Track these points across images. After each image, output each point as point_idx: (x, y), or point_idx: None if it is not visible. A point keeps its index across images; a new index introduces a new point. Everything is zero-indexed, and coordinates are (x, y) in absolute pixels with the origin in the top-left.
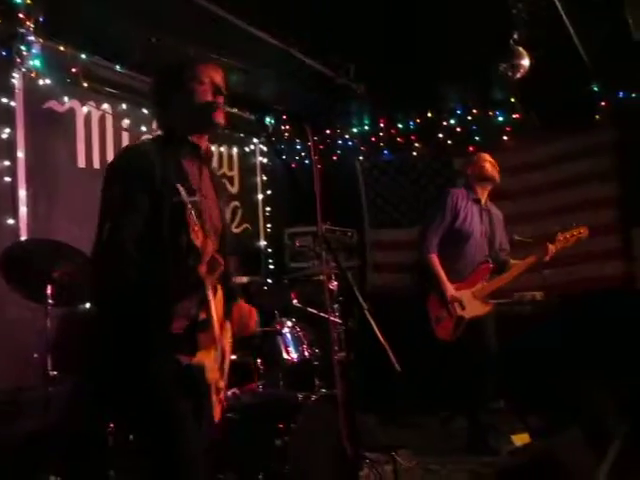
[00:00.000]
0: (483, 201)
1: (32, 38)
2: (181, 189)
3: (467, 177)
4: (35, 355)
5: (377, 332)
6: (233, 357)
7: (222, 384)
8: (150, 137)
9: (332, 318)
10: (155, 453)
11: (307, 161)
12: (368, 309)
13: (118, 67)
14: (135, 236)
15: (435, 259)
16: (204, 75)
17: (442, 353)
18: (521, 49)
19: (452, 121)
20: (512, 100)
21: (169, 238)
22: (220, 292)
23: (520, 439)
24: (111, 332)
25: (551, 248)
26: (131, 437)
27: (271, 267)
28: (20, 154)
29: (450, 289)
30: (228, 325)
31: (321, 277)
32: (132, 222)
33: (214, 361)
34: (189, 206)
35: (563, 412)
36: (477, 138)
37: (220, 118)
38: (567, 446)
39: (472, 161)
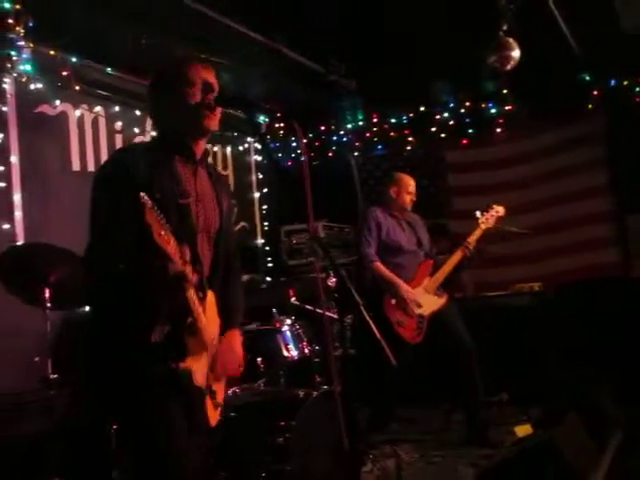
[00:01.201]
0: (397, 215)
1: (22, 43)
2: (141, 194)
3: (388, 198)
4: (36, 359)
5: (372, 327)
6: None
7: (217, 388)
8: (144, 139)
9: (329, 314)
10: (140, 456)
11: (303, 158)
12: (363, 304)
13: (109, 69)
14: (122, 240)
15: (381, 265)
16: (195, 76)
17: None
18: (510, 40)
19: (445, 114)
20: (504, 92)
21: (145, 241)
22: (211, 296)
23: (522, 430)
24: (100, 334)
25: (476, 233)
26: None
27: (269, 265)
28: (13, 159)
29: (406, 287)
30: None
31: (316, 274)
32: (119, 227)
33: (205, 365)
34: (148, 205)
35: (562, 401)
36: (470, 131)
37: (213, 119)
38: (566, 433)
39: (397, 183)
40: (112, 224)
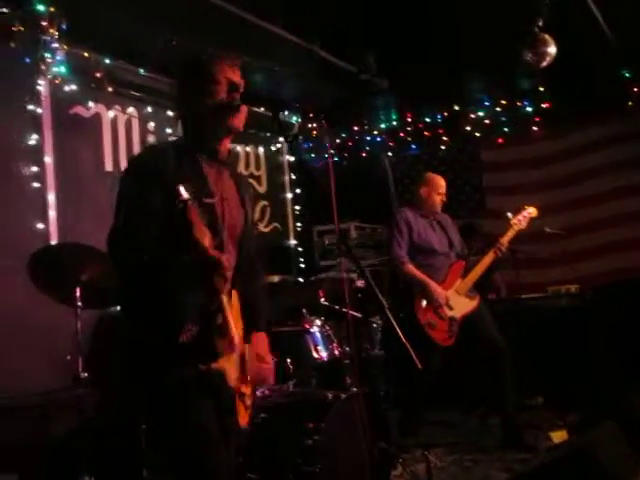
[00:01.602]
0: (428, 216)
1: (56, 45)
2: (182, 189)
3: (418, 198)
4: (68, 357)
5: (398, 330)
6: None
7: (246, 390)
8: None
9: (356, 315)
10: (174, 456)
11: (336, 158)
12: (389, 306)
13: (142, 70)
14: (147, 230)
15: (412, 267)
16: (220, 74)
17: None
18: (546, 36)
19: (480, 113)
20: (540, 89)
21: (175, 237)
22: (234, 296)
23: (558, 436)
24: (130, 334)
25: (508, 234)
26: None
27: (301, 265)
28: (48, 159)
29: (437, 288)
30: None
31: (344, 275)
32: (145, 216)
33: (235, 366)
34: (190, 202)
35: (600, 407)
36: (506, 129)
37: (238, 118)
38: (603, 441)
39: (428, 183)
40: (138, 212)
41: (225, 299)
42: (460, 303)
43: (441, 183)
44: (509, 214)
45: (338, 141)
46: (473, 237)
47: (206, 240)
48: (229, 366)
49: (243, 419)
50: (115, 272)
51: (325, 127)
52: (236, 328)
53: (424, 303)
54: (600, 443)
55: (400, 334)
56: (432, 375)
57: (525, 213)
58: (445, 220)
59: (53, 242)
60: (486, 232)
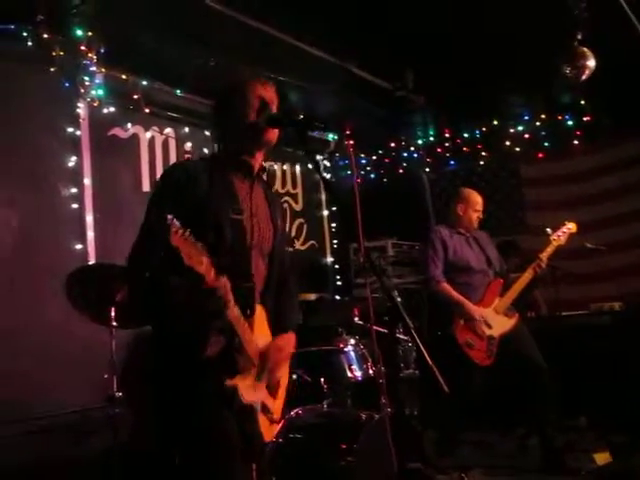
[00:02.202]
0: (464, 232)
1: (94, 68)
2: (170, 219)
3: (455, 215)
4: (105, 376)
5: (423, 350)
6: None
7: (271, 403)
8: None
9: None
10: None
11: (373, 175)
12: (414, 327)
13: (178, 91)
14: (157, 253)
15: (448, 286)
16: (253, 94)
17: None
18: (585, 49)
19: (519, 128)
20: (581, 103)
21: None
22: (260, 311)
23: (602, 458)
24: (157, 352)
25: (548, 250)
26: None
27: (338, 283)
28: (86, 181)
29: (476, 309)
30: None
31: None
32: (160, 237)
33: (254, 382)
34: (174, 228)
35: None
36: (546, 144)
37: (272, 133)
38: None
39: (464, 200)
40: (155, 232)
41: (239, 316)
42: (498, 322)
43: (478, 199)
44: (549, 230)
45: (374, 158)
46: (512, 254)
47: (202, 263)
48: (244, 382)
49: (268, 434)
50: (131, 289)
51: (350, 145)
52: (261, 342)
53: (462, 322)
54: None
55: (426, 355)
56: (472, 395)
57: (565, 229)
58: (482, 237)
59: (91, 262)
60: (526, 248)
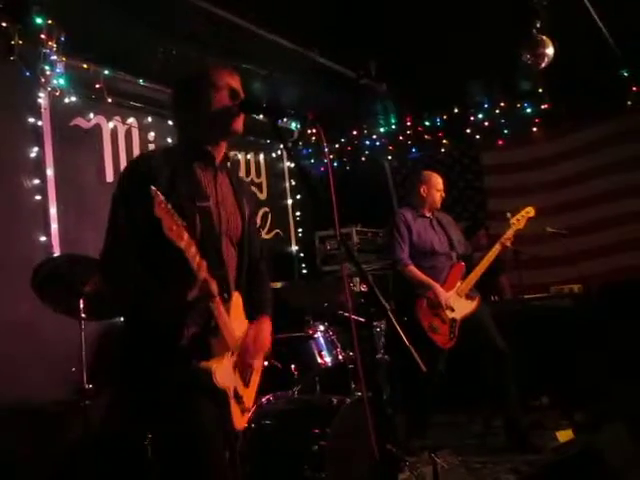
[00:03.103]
0: (428, 214)
1: (55, 57)
2: (152, 188)
3: (418, 197)
4: (73, 369)
5: (400, 333)
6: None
7: (244, 391)
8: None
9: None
10: (170, 459)
11: (336, 163)
12: (392, 310)
13: (141, 81)
14: (134, 247)
15: (415, 269)
16: (220, 81)
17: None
18: (544, 38)
19: (480, 115)
20: (540, 90)
21: (164, 244)
22: (236, 297)
23: (564, 436)
24: (129, 343)
25: (508, 233)
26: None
27: (304, 271)
28: (49, 172)
29: (444, 292)
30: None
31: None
32: (134, 236)
33: (229, 367)
34: (158, 198)
35: (608, 407)
36: (506, 131)
37: (238, 122)
38: (610, 440)
39: (426, 181)
40: (128, 231)
41: (218, 302)
42: (460, 305)
43: (439, 180)
44: (508, 214)
45: (337, 146)
46: (479, 232)
47: (183, 238)
48: (219, 366)
49: (239, 423)
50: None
51: (322, 131)
52: (237, 327)
53: (425, 306)
54: (607, 443)
55: (403, 338)
56: (437, 377)
57: (523, 212)
58: (445, 219)
59: (55, 254)
60: (489, 233)
